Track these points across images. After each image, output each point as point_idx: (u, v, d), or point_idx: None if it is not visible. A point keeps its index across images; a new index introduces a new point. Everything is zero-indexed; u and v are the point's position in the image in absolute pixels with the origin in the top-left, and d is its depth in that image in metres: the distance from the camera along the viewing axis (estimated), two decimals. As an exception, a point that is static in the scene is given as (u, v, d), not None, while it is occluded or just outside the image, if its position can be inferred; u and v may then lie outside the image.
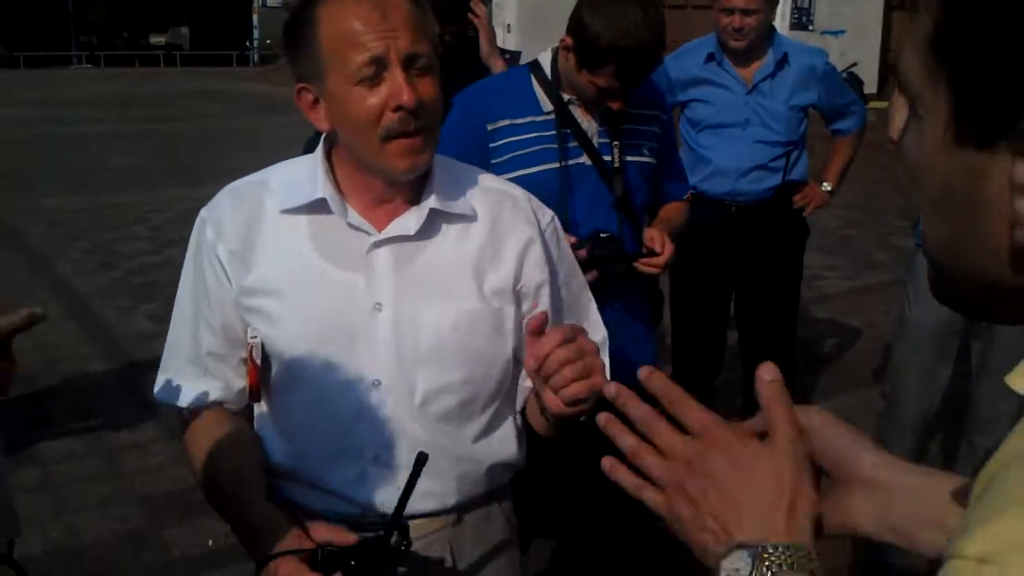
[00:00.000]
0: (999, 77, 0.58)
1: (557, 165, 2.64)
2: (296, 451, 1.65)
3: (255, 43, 42.88)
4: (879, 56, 16.04)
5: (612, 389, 0.93)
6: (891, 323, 5.05)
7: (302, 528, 1.52)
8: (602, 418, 0.93)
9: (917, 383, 3.52)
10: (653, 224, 2.85)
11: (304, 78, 1.56)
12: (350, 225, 1.59)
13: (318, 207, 1.59)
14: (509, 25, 12.15)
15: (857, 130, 4.21)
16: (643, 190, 2.81)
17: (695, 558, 0.85)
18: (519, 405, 1.74)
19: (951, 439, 4.04)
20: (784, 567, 0.76)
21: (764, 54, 3.91)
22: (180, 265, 1.70)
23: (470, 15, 3.47)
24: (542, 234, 1.70)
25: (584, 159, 2.69)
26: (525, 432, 1.77)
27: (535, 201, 1.75)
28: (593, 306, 1.85)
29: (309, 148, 4.44)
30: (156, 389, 1.71)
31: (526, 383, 1.70)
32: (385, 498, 1.61)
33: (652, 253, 2.63)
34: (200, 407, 1.68)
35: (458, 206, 1.63)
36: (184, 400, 1.68)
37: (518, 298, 1.67)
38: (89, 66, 41.69)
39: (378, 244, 1.59)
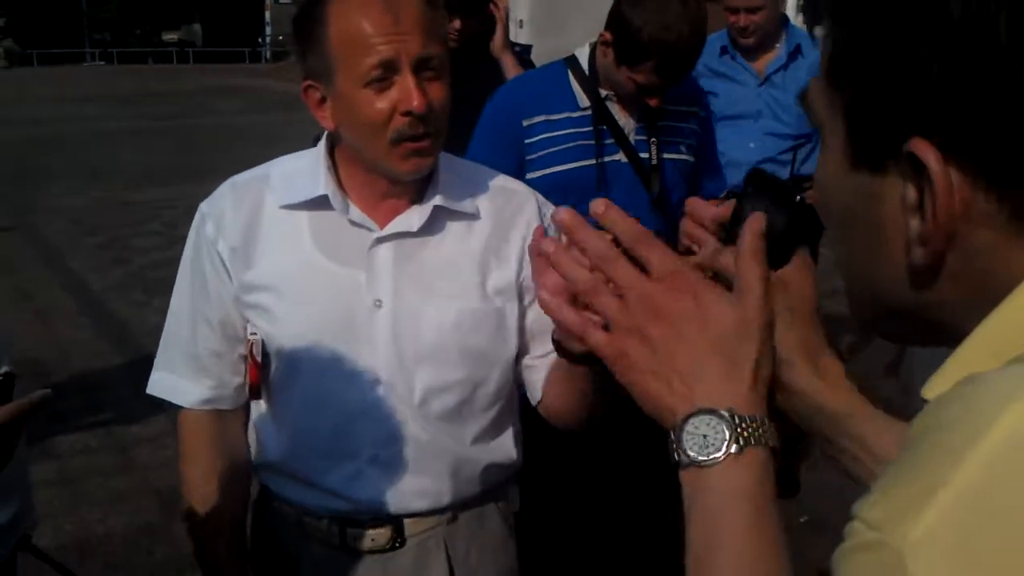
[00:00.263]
0: (883, 102, 0.60)
1: (593, 162, 2.61)
2: (293, 448, 1.64)
3: (267, 40, 42.95)
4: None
5: (563, 214, 0.84)
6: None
7: None
8: (548, 245, 0.84)
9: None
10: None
11: (311, 75, 1.53)
12: (351, 222, 1.57)
13: (319, 203, 1.57)
14: (521, 21, 12.12)
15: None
16: (680, 188, 2.75)
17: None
18: (539, 387, 1.67)
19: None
20: (753, 441, 0.73)
21: (776, 46, 3.90)
22: None
23: (491, 7, 3.45)
24: (546, 230, 1.63)
25: (620, 156, 2.65)
26: (523, 433, 1.76)
27: (539, 196, 1.72)
28: None
29: (318, 143, 4.43)
30: (151, 385, 1.71)
31: (541, 360, 1.65)
32: (380, 496, 1.61)
33: (690, 252, 2.60)
34: (196, 406, 1.67)
35: (462, 204, 1.61)
36: (181, 398, 1.68)
37: (521, 295, 1.64)
38: (102, 63, 41.86)
39: (380, 240, 1.57)
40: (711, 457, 0.73)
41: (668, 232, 2.68)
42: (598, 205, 0.84)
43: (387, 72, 1.45)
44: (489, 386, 1.64)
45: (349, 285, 1.56)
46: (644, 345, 0.77)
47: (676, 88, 2.59)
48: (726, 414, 0.74)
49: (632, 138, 2.65)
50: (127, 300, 6.96)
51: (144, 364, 5.87)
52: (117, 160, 13.41)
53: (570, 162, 2.60)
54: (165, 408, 5.32)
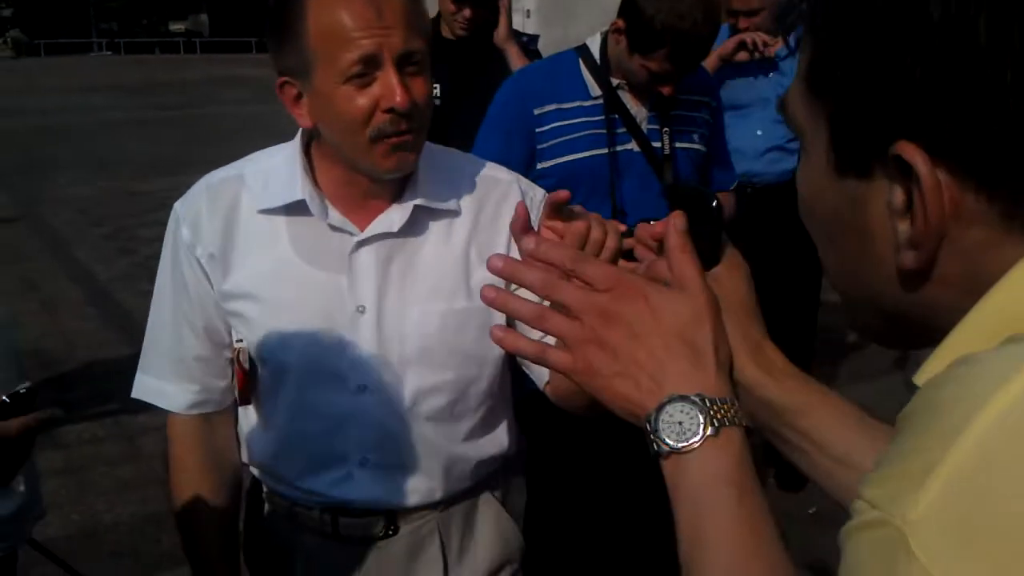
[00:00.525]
0: (867, 108, 0.61)
1: (605, 151, 2.60)
2: (281, 452, 1.63)
3: (274, 30, 42.88)
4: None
5: (497, 262, 0.84)
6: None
7: None
8: (489, 293, 0.85)
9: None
10: None
11: (287, 71, 1.47)
12: (331, 226, 1.53)
13: (297, 208, 1.52)
14: (528, 11, 12.09)
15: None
16: (693, 177, 2.74)
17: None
18: (545, 377, 1.62)
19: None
20: (727, 422, 0.75)
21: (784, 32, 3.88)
22: None
23: None
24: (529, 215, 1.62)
25: (632, 145, 2.63)
26: (528, 423, 1.74)
27: (524, 182, 1.67)
28: None
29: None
30: (136, 388, 1.68)
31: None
32: (371, 496, 1.60)
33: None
34: (183, 411, 1.66)
35: (443, 201, 1.56)
36: (166, 403, 1.66)
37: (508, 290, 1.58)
38: (109, 53, 41.87)
39: (361, 244, 1.52)
40: (690, 442, 0.74)
41: None
42: (528, 243, 0.86)
43: (368, 68, 1.39)
44: (481, 384, 1.62)
45: (331, 291, 1.53)
46: (604, 351, 0.79)
47: (689, 78, 2.58)
48: (697, 399, 0.75)
49: (644, 127, 2.64)
50: (133, 290, 6.96)
51: (151, 354, 5.73)
52: (124, 150, 13.41)
53: (582, 151, 2.59)
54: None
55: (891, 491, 0.53)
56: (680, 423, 0.75)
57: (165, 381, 1.65)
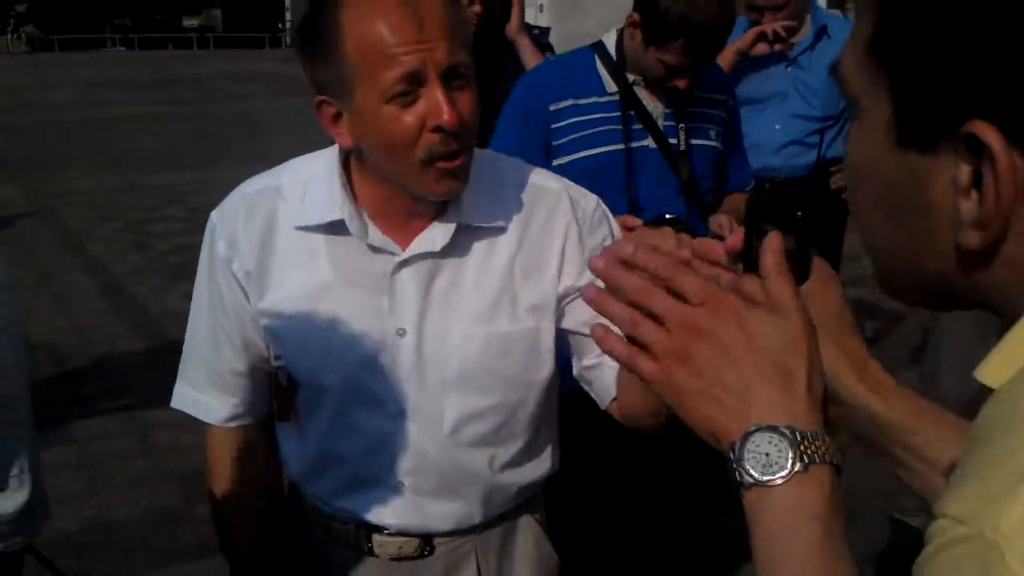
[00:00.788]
0: (937, 83, 0.59)
1: (621, 147, 2.58)
2: (316, 471, 1.60)
3: (287, 25, 42.96)
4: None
5: (597, 263, 0.82)
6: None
7: None
8: (590, 292, 0.82)
9: (957, 364, 3.46)
10: (719, 212, 2.77)
11: (324, 89, 1.38)
12: (371, 246, 1.46)
13: (336, 227, 1.45)
14: (542, 5, 12.08)
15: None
16: (709, 175, 2.73)
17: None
18: (609, 387, 1.54)
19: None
20: (817, 459, 0.71)
21: (802, 26, 3.85)
22: None
23: None
24: (580, 228, 1.53)
25: (648, 142, 2.62)
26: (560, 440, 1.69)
27: (574, 189, 1.58)
28: None
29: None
30: (175, 398, 1.65)
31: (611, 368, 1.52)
32: (406, 521, 1.56)
33: (720, 239, 2.57)
34: (221, 423, 1.62)
35: (488, 217, 1.48)
36: (205, 414, 1.63)
37: (561, 308, 1.52)
38: (123, 49, 42.00)
39: (402, 264, 1.46)
40: (775, 476, 0.71)
41: (696, 218, 2.64)
42: (624, 249, 0.83)
43: (412, 85, 1.30)
44: (527, 409, 1.55)
45: (371, 312, 1.47)
46: (690, 367, 0.76)
47: (705, 76, 2.57)
48: (787, 431, 0.71)
49: (660, 124, 2.62)
50: (147, 285, 6.97)
51: (164, 349, 5.93)
52: (137, 145, 13.43)
53: (598, 147, 2.57)
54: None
55: (978, 503, 0.52)
56: (767, 455, 0.71)
57: (203, 393, 1.61)
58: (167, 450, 4.43)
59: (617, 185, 2.56)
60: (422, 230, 1.46)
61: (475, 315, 1.48)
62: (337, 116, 1.39)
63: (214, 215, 1.54)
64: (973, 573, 0.50)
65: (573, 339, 1.55)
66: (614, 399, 1.52)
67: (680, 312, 0.77)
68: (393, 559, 1.59)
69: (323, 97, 1.39)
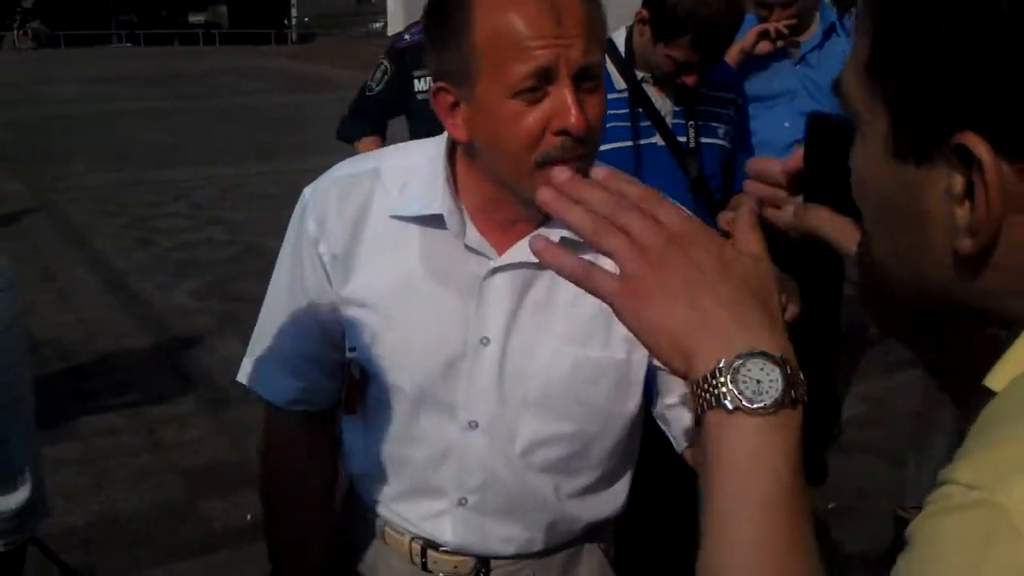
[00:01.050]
0: (928, 95, 0.60)
1: (630, 144, 2.58)
2: (377, 472, 1.53)
3: (293, 21, 43.00)
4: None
5: (559, 176, 0.78)
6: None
7: None
8: (547, 194, 0.78)
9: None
10: (727, 209, 2.76)
11: (445, 76, 1.30)
12: (467, 246, 1.38)
13: (433, 221, 1.38)
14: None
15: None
16: (717, 173, 2.73)
17: None
18: (688, 432, 1.45)
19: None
20: (798, 396, 0.69)
21: (811, 25, 3.84)
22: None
23: None
24: None
25: (657, 139, 2.62)
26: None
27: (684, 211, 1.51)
28: None
29: (341, 128, 4.39)
30: (242, 372, 1.58)
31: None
32: (465, 540, 1.49)
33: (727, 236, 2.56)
34: (286, 405, 1.56)
35: None
36: (268, 394, 1.57)
37: None
38: (129, 44, 42.02)
39: (496, 270, 1.37)
40: (765, 404, 0.68)
41: (704, 216, 2.65)
42: (598, 172, 0.78)
43: (541, 82, 1.22)
44: (605, 442, 1.47)
45: (456, 315, 1.39)
46: (664, 282, 0.72)
47: (714, 73, 2.58)
48: (781, 360, 0.69)
49: (669, 121, 2.63)
50: (152, 280, 6.98)
51: (169, 344, 5.94)
52: (143, 141, 13.44)
53: (606, 144, 2.55)
54: (191, 388, 5.37)
55: (991, 472, 0.53)
56: (759, 381, 0.68)
57: (270, 371, 1.55)
58: (172, 446, 4.43)
59: None
60: (523, 236, 1.36)
61: (567, 335, 1.40)
62: (454, 105, 1.31)
63: (307, 191, 1.48)
64: (978, 536, 0.52)
65: (658, 375, 1.47)
66: (687, 447, 1.46)
67: (657, 231, 0.73)
68: None
69: (442, 84, 1.31)
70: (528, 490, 1.46)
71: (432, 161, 1.41)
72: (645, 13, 2.49)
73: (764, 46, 3.71)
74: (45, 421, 1.71)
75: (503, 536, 1.49)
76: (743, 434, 0.68)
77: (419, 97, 3.62)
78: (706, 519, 0.69)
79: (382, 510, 1.55)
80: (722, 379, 0.68)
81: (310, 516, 1.61)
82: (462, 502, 1.47)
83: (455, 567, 1.52)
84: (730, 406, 0.68)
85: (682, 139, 2.63)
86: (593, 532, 1.58)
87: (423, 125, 3.62)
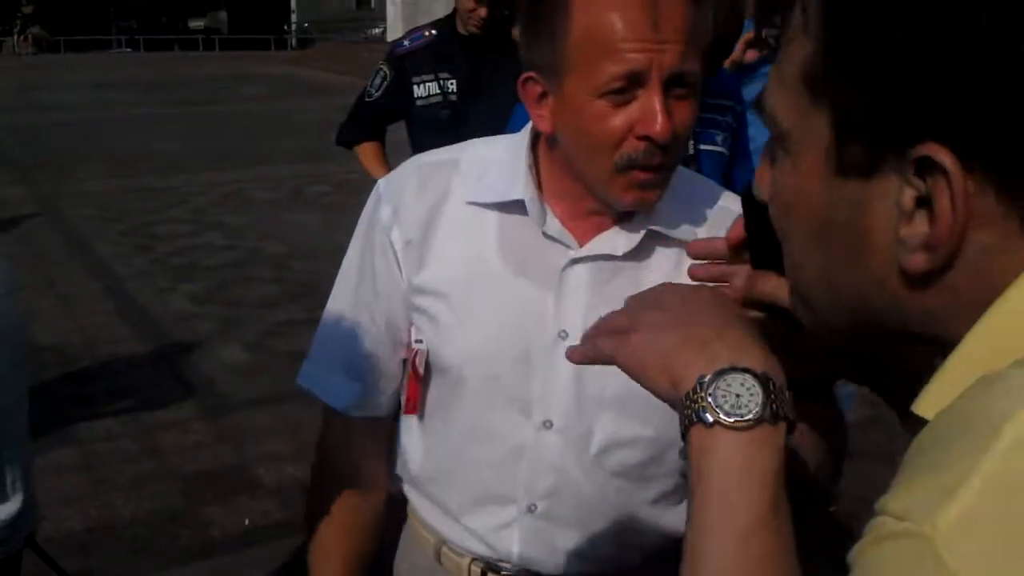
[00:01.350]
0: (889, 104, 0.57)
1: None
2: (441, 478, 1.45)
3: (293, 27, 43.04)
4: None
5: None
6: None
7: None
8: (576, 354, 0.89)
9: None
10: None
11: (535, 67, 1.27)
12: (547, 235, 1.33)
13: (513, 207, 1.33)
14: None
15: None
16: (716, 181, 2.73)
17: None
18: None
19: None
20: (781, 413, 0.70)
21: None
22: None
23: None
24: None
25: None
26: None
27: None
28: None
29: (341, 134, 4.40)
30: (302, 374, 1.53)
31: None
32: (530, 552, 1.41)
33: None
34: (344, 410, 1.50)
35: (679, 229, 1.33)
36: (329, 397, 1.51)
37: None
38: (129, 50, 42.09)
39: (576, 261, 1.32)
40: (744, 418, 0.69)
41: None
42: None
43: (630, 84, 1.18)
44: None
45: (533, 307, 1.33)
46: (651, 317, 0.79)
47: (713, 82, 2.57)
48: (761, 375, 0.70)
49: None
50: (152, 287, 6.98)
51: (168, 349, 5.93)
52: (142, 146, 13.46)
53: None
54: (190, 393, 5.37)
55: (919, 501, 0.53)
56: (738, 395, 0.69)
57: (331, 374, 1.49)
58: (171, 451, 4.43)
59: None
60: (604, 229, 1.33)
61: None
62: (542, 96, 1.28)
63: (381, 182, 1.45)
64: (909, 567, 0.52)
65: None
66: None
67: (639, 294, 0.82)
68: None
69: (531, 74, 1.28)
70: (600, 494, 1.39)
71: (514, 150, 1.37)
72: None
73: (752, 54, 3.73)
74: (44, 426, 1.72)
75: (571, 549, 1.41)
76: (724, 452, 0.69)
77: (418, 103, 3.63)
78: (686, 541, 0.70)
79: (441, 525, 1.48)
80: (703, 393, 0.70)
81: (355, 528, 1.57)
82: (531, 508, 1.40)
83: None
84: (709, 419, 0.69)
85: None
86: (664, 555, 1.47)
87: (422, 131, 3.66)
